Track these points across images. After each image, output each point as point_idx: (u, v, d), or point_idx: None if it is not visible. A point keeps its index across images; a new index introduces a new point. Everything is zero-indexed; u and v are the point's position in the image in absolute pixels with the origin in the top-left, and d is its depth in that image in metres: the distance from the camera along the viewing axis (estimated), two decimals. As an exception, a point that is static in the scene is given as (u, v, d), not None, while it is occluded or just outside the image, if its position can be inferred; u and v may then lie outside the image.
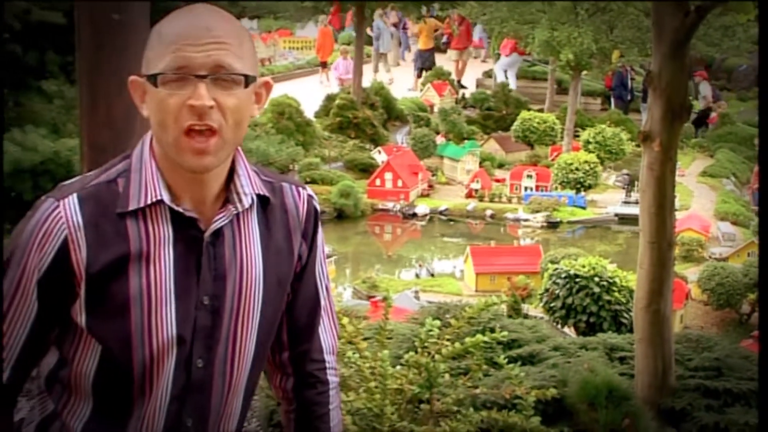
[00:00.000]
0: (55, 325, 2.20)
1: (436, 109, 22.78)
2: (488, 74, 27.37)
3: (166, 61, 2.06)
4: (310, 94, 21.96)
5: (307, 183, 16.06)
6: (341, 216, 16.36)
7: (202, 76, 2.05)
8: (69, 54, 4.65)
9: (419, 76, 26.71)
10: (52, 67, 4.85)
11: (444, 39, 29.17)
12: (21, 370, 2.20)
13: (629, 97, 24.28)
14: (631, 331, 7.77)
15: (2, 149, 4.52)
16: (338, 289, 12.70)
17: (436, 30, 28.48)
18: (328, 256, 11.82)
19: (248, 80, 2.11)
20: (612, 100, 24.75)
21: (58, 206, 2.12)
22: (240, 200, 2.22)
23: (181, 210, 2.15)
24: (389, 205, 17.07)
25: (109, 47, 3.40)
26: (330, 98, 21.47)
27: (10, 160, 4.34)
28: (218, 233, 2.21)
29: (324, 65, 27.00)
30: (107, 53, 3.39)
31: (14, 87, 4.96)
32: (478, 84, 26.80)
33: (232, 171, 2.22)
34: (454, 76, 26.47)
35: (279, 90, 20.48)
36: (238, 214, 2.23)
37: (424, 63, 27.02)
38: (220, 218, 2.20)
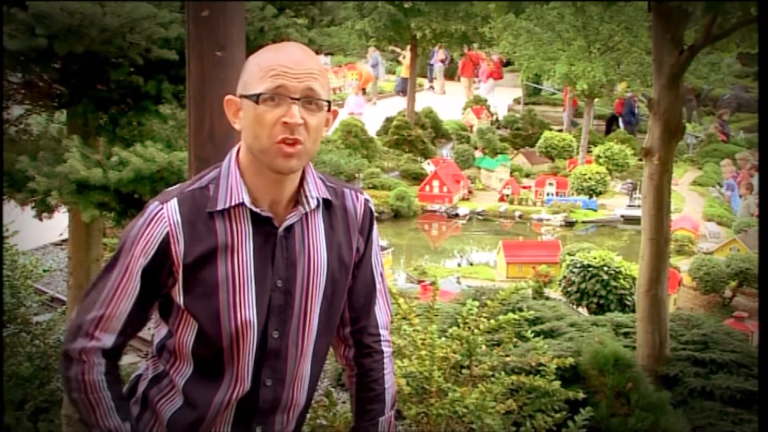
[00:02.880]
0: (153, 303, 2.23)
1: (474, 129, 22.64)
2: (517, 101, 27.15)
3: (265, 84, 2.08)
4: (372, 116, 21.94)
5: (369, 189, 16.13)
6: (397, 215, 16.32)
7: (296, 98, 2.07)
8: (180, 84, 4.68)
9: (403, 95, 26.14)
10: (166, 94, 4.86)
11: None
12: (124, 336, 2.22)
13: (636, 122, 24.00)
14: (633, 311, 7.69)
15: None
16: (394, 275, 12.64)
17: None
18: (386, 249, 11.81)
19: (328, 105, 2.14)
20: (621, 122, 24.41)
21: (162, 208, 2.16)
22: (308, 202, 2.23)
23: (258, 211, 2.17)
24: (436, 206, 16.98)
25: (212, 78, 3.41)
26: (388, 120, 21.47)
27: (134, 168, 4.38)
28: (290, 229, 2.22)
29: (363, 91, 26.59)
30: (210, 83, 3.41)
31: (137, 110, 5.01)
32: (509, 109, 26.60)
33: (302, 179, 2.23)
34: (490, 102, 26.31)
35: (347, 112, 20.53)
36: (306, 214, 2.24)
37: (402, 86, 26.78)
38: (291, 216, 2.21)
